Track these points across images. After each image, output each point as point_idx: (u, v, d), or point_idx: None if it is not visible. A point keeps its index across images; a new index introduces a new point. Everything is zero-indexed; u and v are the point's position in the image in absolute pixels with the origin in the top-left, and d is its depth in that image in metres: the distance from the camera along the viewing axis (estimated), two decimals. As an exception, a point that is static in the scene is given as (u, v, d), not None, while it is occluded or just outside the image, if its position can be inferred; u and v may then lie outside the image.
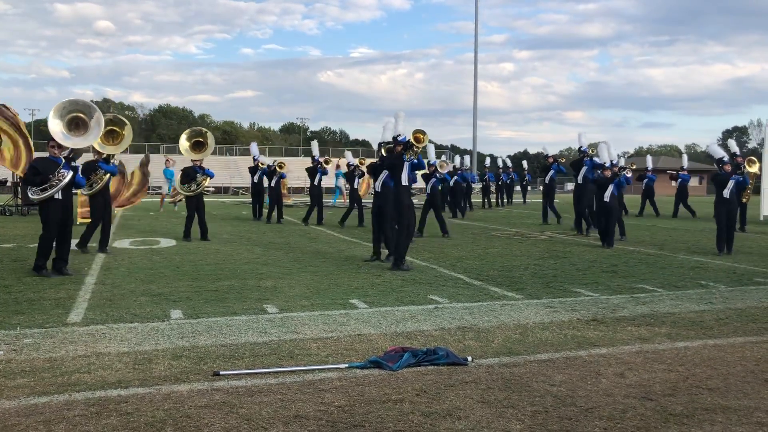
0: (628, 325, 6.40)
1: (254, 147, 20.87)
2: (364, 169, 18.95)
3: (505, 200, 30.85)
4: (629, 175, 14.42)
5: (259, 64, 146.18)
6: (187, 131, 14.24)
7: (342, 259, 10.74)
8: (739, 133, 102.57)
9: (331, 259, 10.74)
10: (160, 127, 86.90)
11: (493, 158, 40.30)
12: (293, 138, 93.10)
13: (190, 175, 13.61)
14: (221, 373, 4.68)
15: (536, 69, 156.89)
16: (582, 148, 16.45)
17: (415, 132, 10.20)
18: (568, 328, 6.24)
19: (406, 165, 9.95)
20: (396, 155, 10.09)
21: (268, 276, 9.06)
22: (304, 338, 5.74)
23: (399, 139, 10.13)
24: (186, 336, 5.75)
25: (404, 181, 9.98)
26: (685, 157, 25.12)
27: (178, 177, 15.05)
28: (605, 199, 13.03)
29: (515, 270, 9.95)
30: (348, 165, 19.74)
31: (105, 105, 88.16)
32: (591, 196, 15.52)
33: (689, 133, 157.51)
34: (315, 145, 19.35)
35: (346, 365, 4.90)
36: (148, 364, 4.91)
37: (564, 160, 21.25)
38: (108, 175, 11.04)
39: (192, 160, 13.68)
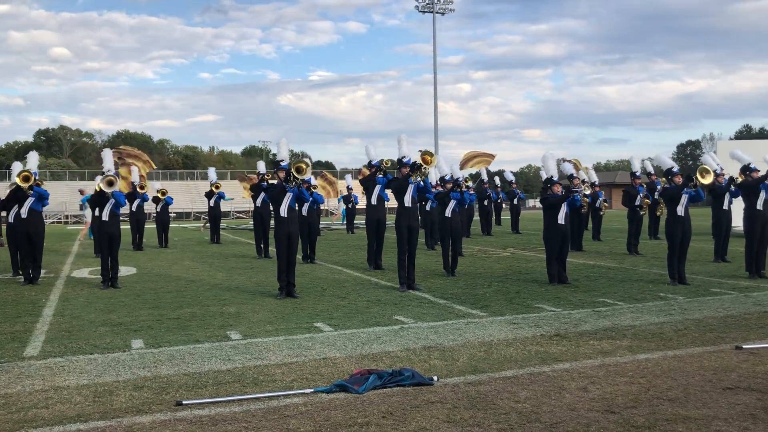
0: (590, 339, 6.49)
1: (212, 172, 22.38)
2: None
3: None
4: (588, 192, 13.11)
5: (218, 88, 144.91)
6: None
7: (306, 282, 10.67)
8: (692, 146, 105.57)
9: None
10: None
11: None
12: (255, 161, 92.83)
13: None
14: (184, 402, 4.61)
15: (493, 89, 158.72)
16: (373, 162, 13.01)
17: (424, 154, 10.20)
18: (532, 344, 6.30)
19: (411, 187, 10.00)
20: (402, 177, 10.15)
21: (231, 301, 8.96)
22: (268, 364, 5.68)
23: (404, 161, 10.24)
24: (147, 366, 5.65)
25: (407, 202, 10.00)
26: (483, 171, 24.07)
27: None
28: (560, 222, 10.18)
29: (479, 287, 10.02)
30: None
31: (62, 132, 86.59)
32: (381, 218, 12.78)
33: (644, 147, 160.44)
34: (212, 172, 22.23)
35: (312, 390, 4.87)
36: (109, 396, 4.80)
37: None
38: None
39: None
